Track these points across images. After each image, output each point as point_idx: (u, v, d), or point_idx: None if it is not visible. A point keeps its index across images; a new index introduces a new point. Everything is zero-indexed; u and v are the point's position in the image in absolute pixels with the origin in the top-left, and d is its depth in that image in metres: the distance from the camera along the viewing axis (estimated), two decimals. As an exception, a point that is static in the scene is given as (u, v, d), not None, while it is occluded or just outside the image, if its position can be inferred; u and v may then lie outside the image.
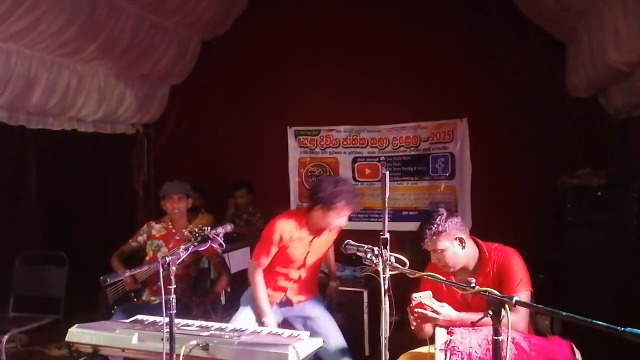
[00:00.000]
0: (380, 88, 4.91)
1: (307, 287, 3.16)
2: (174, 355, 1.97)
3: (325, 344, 2.90)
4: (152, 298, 3.37)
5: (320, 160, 5.28)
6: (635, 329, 1.23)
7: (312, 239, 2.99)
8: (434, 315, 2.17)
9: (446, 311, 2.19)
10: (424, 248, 2.35)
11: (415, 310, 2.17)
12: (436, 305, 2.19)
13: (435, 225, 2.31)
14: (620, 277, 3.25)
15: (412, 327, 2.25)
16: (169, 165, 5.65)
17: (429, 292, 2.21)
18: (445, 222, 2.31)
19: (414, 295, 2.19)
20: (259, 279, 2.96)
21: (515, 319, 2.04)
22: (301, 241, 2.97)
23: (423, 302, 2.17)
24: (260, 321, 2.89)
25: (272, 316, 2.91)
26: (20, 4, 3.38)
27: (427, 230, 2.31)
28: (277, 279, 3.06)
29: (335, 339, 3.01)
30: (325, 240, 3.10)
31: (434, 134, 4.86)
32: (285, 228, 2.93)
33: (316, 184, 3.02)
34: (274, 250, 2.94)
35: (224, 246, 2.32)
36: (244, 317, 2.98)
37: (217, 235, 2.26)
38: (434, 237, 2.30)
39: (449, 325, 2.20)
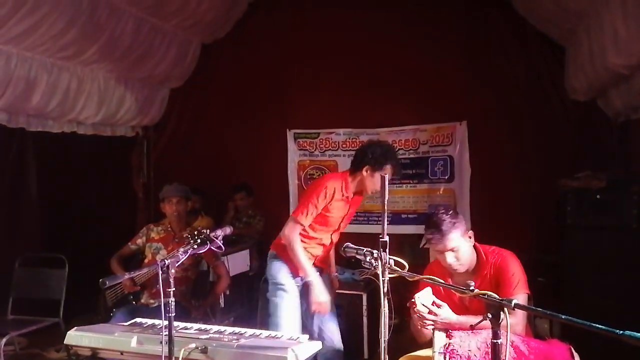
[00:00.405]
0: (380, 91, 4.92)
1: (328, 257, 3.16)
2: (173, 358, 1.96)
3: (322, 335, 2.96)
4: (151, 301, 3.37)
5: (319, 163, 5.28)
6: (635, 332, 1.23)
7: (351, 202, 3.03)
8: (433, 317, 2.16)
9: (445, 313, 2.18)
10: (438, 249, 2.25)
11: (416, 309, 2.16)
12: (434, 306, 2.17)
13: (452, 222, 2.24)
14: (621, 279, 3.24)
15: (419, 327, 2.23)
16: (168, 167, 5.65)
17: (429, 289, 2.19)
18: (456, 217, 2.28)
19: (416, 295, 2.18)
20: (298, 238, 2.91)
21: (513, 322, 2.03)
22: (346, 202, 2.99)
23: (422, 302, 2.15)
24: (304, 282, 2.89)
25: (317, 274, 2.90)
26: (21, 7, 3.38)
27: (442, 228, 2.22)
28: (309, 245, 3.00)
29: (332, 334, 3.03)
30: (356, 207, 3.15)
31: (433, 137, 4.87)
32: (336, 187, 2.93)
33: (364, 146, 3.06)
34: (320, 208, 2.91)
35: (223, 249, 2.31)
36: (291, 290, 2.94)
37: (217, 238, 2.25)
38: (452, 233, 2.23)
39: (448, 328, 2.19)
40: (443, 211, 2.31)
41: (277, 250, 3.04)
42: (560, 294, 3.56)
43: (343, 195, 2.96)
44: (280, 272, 3.00)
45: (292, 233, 2.91)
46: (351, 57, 5.01)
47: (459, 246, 2.26)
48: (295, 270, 2.96)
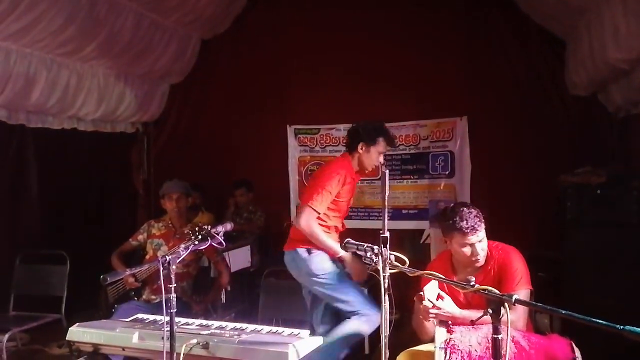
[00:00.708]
0: (380, 86, 4.91)
1: None
2: (175, 354, 1.97)
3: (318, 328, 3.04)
4: (153, 297, 3.38)
5: (320, 159, 5.28)
6: (635, 327, 1.24)
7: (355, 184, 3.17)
8: (436, 311, 2.16)
9: (448, 306, 2.18)
10: (471, 241, 2.26)
11: (422, 304, 2.16)
12: (438, 301, 2.17)
13: (479, 214, 2.27)
14: (621, 275, 3.24)
15: (422, 319, 2.23)
16: (168, 163, 5.65)
17: (435, 282, 2.18)
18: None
19: (425, 288, 2.17)
20: (316, 223, 2.93)
21: (514, 318, 2.04)
22: (352, 184, 3.09)
23: (428, 295, 2.15)
24: (337, 260, 2.96)
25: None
26: (19, 3, 3.37)
27: (480, 220, 2.25)
28: (330, 235, 3.03)
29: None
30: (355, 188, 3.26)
31: (434, 132, 4.86)
32: (346, 171, 3.03)
33: (354, 126, 3.17)
34: (334, 194, 2.96)
35: (224, 245, 2.32)
36: (341, 270, 3.00)
37: (217, 234, 2.26)
38: (482, 224, 2.27)
39: (450, 321, 2.20)
40: (466, 205, 2.33)
41: (305, 244, 3.00)
42: (561, 292, 3.56)
43: (351, 178, 3.07)
44: (325, 263, 3.01)
45: (309, 220, 2.92)
46: (351, 53, 4.99)
47: (484, 237, 2.30)
48: (331, 255, 2.99)
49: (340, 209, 3.09)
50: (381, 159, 3.13)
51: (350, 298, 2.97)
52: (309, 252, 3.01)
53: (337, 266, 3.03)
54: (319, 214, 2.94)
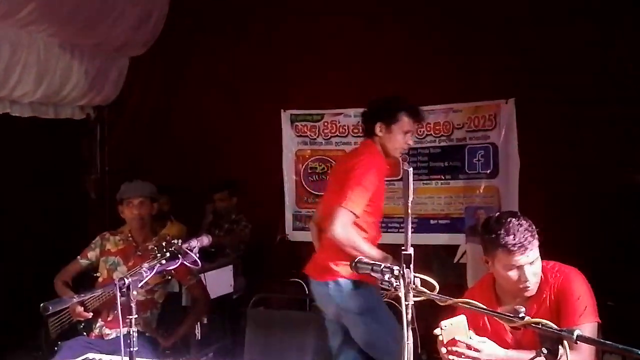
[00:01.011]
0: (401, 60, 4.91)
1: None
2: (135, 405, 1.97)
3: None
4: (107, 331, 3.39)
5: (323, 153, 5.29)
6: None
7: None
8: (474, 354, 2.14)
9: (490, 348, 2.17)
10: (520, 262, 2.24)
11: (449, 350, 2.14)
12: (475, 340, 2.16)
13: (532, 227, 2.25)
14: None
15: None
16: (128, 159, 5.67)
17: (463, 318, 2.17)
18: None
19: (443, 323, 2.16)
20: (354, 230, 2.98)
21: (577, 359, 2.03)
22: (385, 181, 3.21)
23: (456, 337, 2.14)
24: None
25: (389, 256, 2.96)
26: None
27: (529, 237, 2.22)
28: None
29: None
30: None
31: (471, 120, 4.87)
32: (382, 164, 3.13)
33: (368, 107, 3.30)
34: (371, 191, 3.02)
35: (200, 264, 2.32)
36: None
37: (191, 250, 2.26)
38: (534, 241, 2.25)
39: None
40: (515, 215, 2.31)
41: (350, 273, 2.99)
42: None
43: (385, 170, 3.18)
44: (374, 297, 3.11)
45: (347, 226, 2.95)
46: (364, 18, 4.99)
47: (537, 258, 2.28)
48: (374, 281, 3.02)
49: (376, 210, 3.15)
50: (409, 140, 3.19)
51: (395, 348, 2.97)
52: (356, 285, 3.04)
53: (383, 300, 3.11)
54: (357, 217, 2.97)
